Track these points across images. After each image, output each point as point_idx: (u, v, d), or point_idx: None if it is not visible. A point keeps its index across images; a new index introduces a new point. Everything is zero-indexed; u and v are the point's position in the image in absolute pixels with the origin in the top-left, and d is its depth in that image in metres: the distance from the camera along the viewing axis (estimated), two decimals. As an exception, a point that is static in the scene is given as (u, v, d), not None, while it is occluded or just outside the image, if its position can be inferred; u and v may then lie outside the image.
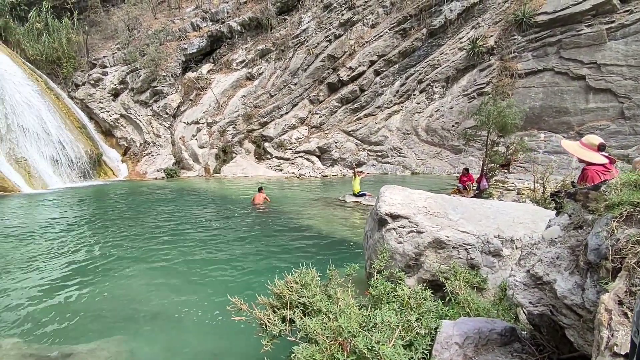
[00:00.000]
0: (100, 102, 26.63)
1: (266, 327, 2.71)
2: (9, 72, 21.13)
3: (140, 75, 26.31)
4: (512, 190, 13.73)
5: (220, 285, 5.98)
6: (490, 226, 4.24)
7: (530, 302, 2.05)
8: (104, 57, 27.99)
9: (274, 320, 2.72)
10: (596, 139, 3.65)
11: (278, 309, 2.88)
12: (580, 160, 3.71)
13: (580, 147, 3.67)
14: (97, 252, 7.80)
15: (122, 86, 26.84)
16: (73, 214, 12.26)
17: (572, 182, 3.74)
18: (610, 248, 1.61)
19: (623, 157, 16.45)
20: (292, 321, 2.74)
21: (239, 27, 26.77)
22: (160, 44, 26.72)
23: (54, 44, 26.75)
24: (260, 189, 13.17)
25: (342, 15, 24.49)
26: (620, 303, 1.37)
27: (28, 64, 24.63)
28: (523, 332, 2.46)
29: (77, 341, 4.44)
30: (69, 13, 28.74)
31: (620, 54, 17.80)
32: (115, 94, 26.90)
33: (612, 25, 18.09)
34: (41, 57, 26.43)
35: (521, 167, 18.87)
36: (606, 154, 3.64)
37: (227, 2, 27.76)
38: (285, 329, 2.70)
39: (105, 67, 27.67)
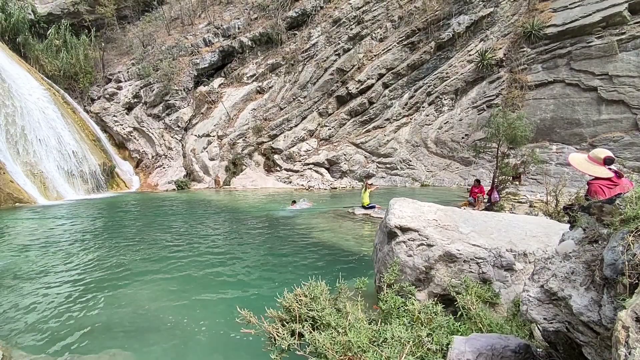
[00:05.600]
0: (114, 116, 27.30)
1: (275, 340, 2.69)
2: (27, 86, 21.90)
3: (153, 90, 26.96)
4: (524, 202, 13.51)
5: (229, 298, 5.96)
6: (502, 239, 4.17)
7: (544, 319, 2.00)
8: (119, 72, 28.81)
9: (283, 334, 2.69)
10: (602, 152, 3.59)
11: (287, 323, 2.86)
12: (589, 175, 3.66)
13: (586, 161, 3.61)
14: (107, 264, 7.87)
15: (135, 100, 27.51)
16: (86, 225, 12.46)
17: (586, 195, 3.69)
18: (626, 263, 1.57)
19: (638, 169, 16.11)
20: (301, 335, 2.71)
21: (249, 42, 27.35)
22: (173, 59, 27.42)
23: (71, 59, 27.69)
24: (293, 202, 15.35)
25: (351, 29, 24.85)
26: (638, 320, 1.33)
27: (46, 79, 25.50)
28: (538, 350, 2.39)
29: (85, 352, 4.45)
30: (86, 30, 29.81)
31: (632, 65, 17.63)
32: (129, 108, 27.58)
33: (623, 36, 17.98)
34: (59, 73, 27.36)
35: (533, 179, 18.61)
36: (614, 168, 3.57)
37: (238, 19, 28.45)
38: (294, 343, 2.67)
39: (120, 81, 28.45)
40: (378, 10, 24.83)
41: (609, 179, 3.48)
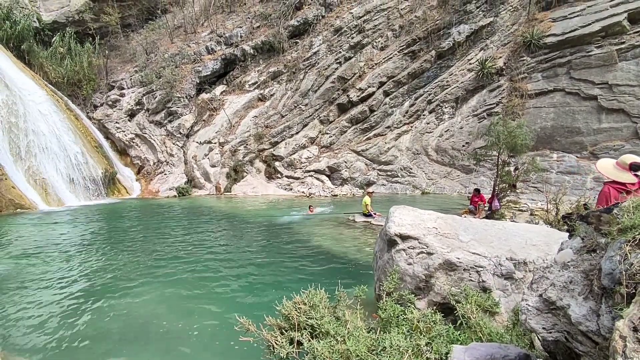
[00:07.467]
0: (116, 122, 27.46)
1: (273, 348, 2.68)
2: (31, 93, 22.07)
3: (155, 97, 27.16)
4: (524, 211, 13.49)
5: (228, 305, 5.94)
6: (502, 248, 4.16)
7: (543, 328, 2.00)
8: (122, 79, 29.06)
9: (282, 342, 2.68)
10: (629, 158, 3.55)
11: (286, 331, 2.85)
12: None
13: (612, 167, 3.60)
14: (107, 271, 7.86)
15: (138, 107, 27.70)
16: (86, 231, 12.45)
17: (585, 204, 3.68)
18: (624, 273, 1.57)
19: None
20: (299, 343, 2.70)
21: (252, 50, 27.60)
22: (176, 67, 27.66)
23: (75, 67, 27.96)
24: (310, 207, 15.74)
25: (352, 38, 25.08)
26: (635, 330, 1.33)
27: (50, 85, 25.71)
28: (538, 359, 2.38)
29: (85, 360, 4.43)
30: (90, 38, 30.15)
31: (632, 74, 17.71)
32: (131, 115, 27.75)
33: (622, 46, 18.08)
34: (63, 80, 27.60)
35: (534, 187, 18.58)
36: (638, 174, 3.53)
37: (240, 27, 28.77)
38: (293, 352, 2.66)
39: (123, 88, 28.68)
40: (379, 19, 25.09)
41: (622, 184, 3.46)
